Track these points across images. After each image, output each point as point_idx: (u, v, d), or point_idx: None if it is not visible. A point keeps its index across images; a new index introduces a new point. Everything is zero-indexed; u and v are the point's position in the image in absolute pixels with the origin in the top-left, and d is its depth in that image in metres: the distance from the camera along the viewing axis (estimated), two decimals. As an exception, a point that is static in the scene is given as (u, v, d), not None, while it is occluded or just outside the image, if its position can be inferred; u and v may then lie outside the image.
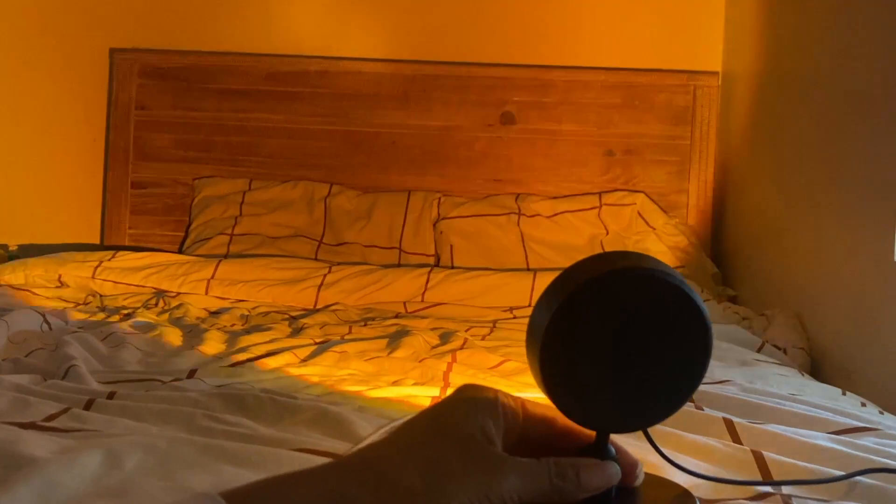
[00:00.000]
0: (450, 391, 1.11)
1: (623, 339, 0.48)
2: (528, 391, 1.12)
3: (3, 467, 0.68)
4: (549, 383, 0.49)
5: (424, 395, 1.08)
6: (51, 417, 0.87)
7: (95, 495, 0.64)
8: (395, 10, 2.61)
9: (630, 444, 0.55)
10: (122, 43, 2.60)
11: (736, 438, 0.83)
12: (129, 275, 2.01)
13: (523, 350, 1.61)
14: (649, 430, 0.53)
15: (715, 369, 1.28)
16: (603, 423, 0.50)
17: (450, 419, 0.48)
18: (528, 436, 0.50)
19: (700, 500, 0.66)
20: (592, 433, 0.51)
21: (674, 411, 0.51)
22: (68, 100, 2.64)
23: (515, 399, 0.50)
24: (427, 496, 0.45)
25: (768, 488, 0.69)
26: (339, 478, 0.46)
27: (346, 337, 1.56)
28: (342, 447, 0.81)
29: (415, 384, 1.19)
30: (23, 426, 0.82)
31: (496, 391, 0.50)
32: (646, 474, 0.54)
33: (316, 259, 2.28)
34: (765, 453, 0.76)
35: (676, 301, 0.48)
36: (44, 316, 1.57)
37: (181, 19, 2.64)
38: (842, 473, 0.71)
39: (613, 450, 0.51)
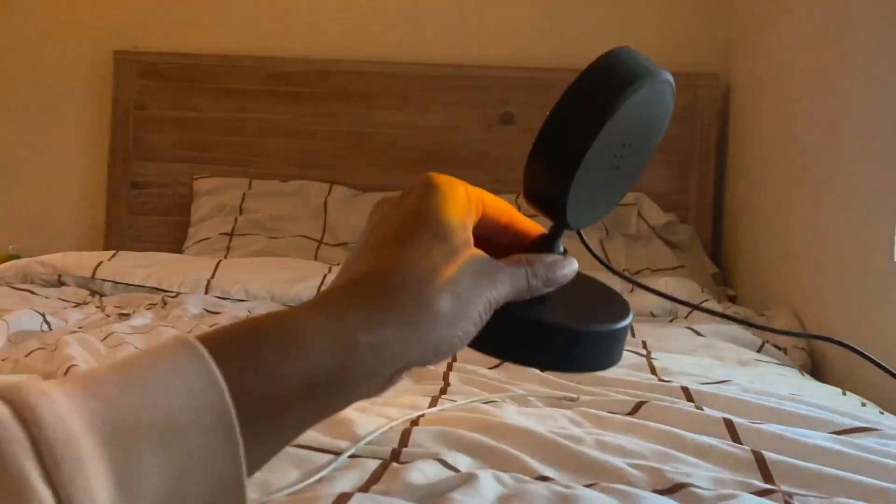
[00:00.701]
0: (450, 391, 1.11)
1: (612, 141, 0.48)
2: (528, 391, 1.12)
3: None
4: (538, 165, 0.49)
5: (424, 395, 1.08)
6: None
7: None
8: (394, 9, 2.61)
9: None
10: (123, 44, 2.60)
11: (736, 438, 0.83)
12: (128, 274, 2.00)
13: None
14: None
15: (715, 369, 1.28)
16: (571, 218, 0.50)
17: (444, 223, 0.46)
18: (482, 226, 0.50)
19: (701, 494, 0.66)
20: (533, 230, 0.52)
21: (612, 208, 0.53)
22: (70, 100, 2.64)
23: (477, 189, 0.50)
24: (452, 318, 0.44)
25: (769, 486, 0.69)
26: (350, 303, 0.43)
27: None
28: (341, 446, 0.81)
29: (415, 384, 1.19)
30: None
31: (463, 183, 0.49)
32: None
33: (316, 259, 2.28)
34: (765, 453, 0.76)
35: (669, 103, 0.50)
36: (43, 316, 1.56)
37: (181, 20, 2.64)
38: (841, 473, 0.71)
39: (563, 248, 0.52)
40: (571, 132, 0.47)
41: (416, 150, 2.54)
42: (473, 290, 0.45)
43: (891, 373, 0.57)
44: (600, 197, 0.51)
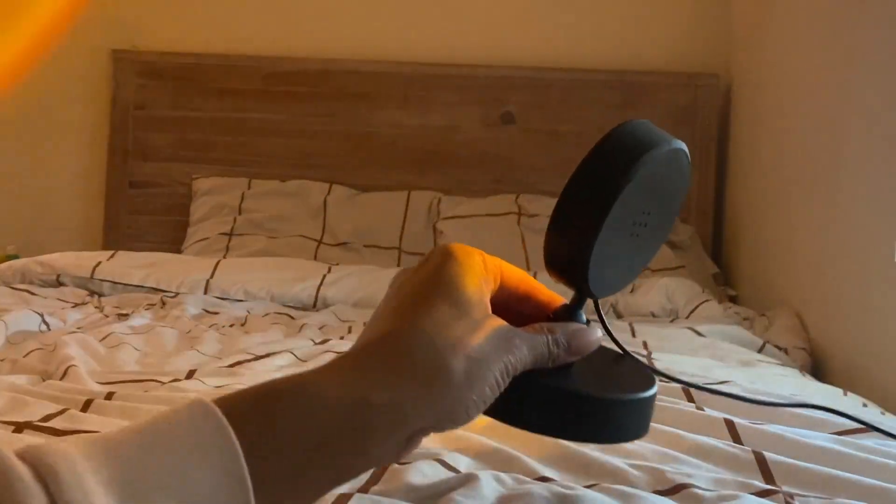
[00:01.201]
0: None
1: (645, 210, 0.49)
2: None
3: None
4: (559, 234, 0.49)
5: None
6: (48, 418, 0.86)
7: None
8: (394, 9, 2.60)
9: None
10: (122, 44, 2.60)
11: (737, 439, 0.83)
12: (127, 275, 2.00)
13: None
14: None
15: (715, 369, 1.28)
16: (593, 286, 0.50)
17: (460, 290, 0.46)
18: (500, 297, 0.50)
19: (702, 494, 0.66)
20: (553, 301, 0.52)
21: (636, 275, 0.53)
22: (69, 100, 2.64)
23: (494, 259, 0.50)
24: (467, 381, 0.44)
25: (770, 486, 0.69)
26: (365, 365, 0.44)
27: (345, 337, 1.56)
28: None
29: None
30: (19, 427, 0.81)
31: (480, 253, 0.49)
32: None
33: (315, 259, 2.27)
34: (766, 454, 0.76)
35: (685, 171, 0.50)
36: (42, 316, 1.56)
37: (181, 19, 2.64)
38: (841, 473, 0.71)
39: (584, 317, 0.51)
40: (588, 203, 0.48)
41: (415, 149, 2.53)
42: (490, 354, 0.45)
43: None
44: (622, 264, 0.51)
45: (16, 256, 2.34)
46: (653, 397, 0.52)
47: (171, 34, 2.62)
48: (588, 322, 0.51)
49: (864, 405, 1.17)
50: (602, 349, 0.53)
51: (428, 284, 0.47)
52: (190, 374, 1.15)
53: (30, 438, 0.76)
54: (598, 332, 0.51)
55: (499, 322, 0.47)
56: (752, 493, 0.68)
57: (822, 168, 1.78)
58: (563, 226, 0.49)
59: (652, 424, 0.53)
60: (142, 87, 2.57)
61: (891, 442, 0.85)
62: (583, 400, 0.49)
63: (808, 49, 1.91)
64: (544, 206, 2.37)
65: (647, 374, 0.53)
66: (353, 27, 2.61)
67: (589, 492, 0.64)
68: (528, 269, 2.21)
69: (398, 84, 2.54)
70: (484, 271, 0.48)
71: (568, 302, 0.52)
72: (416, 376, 0.43)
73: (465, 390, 0.44)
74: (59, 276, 1.99)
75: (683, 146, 0.50)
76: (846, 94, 1.68)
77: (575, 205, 0.49)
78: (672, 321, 1.81)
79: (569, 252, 0.49)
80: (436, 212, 2.41)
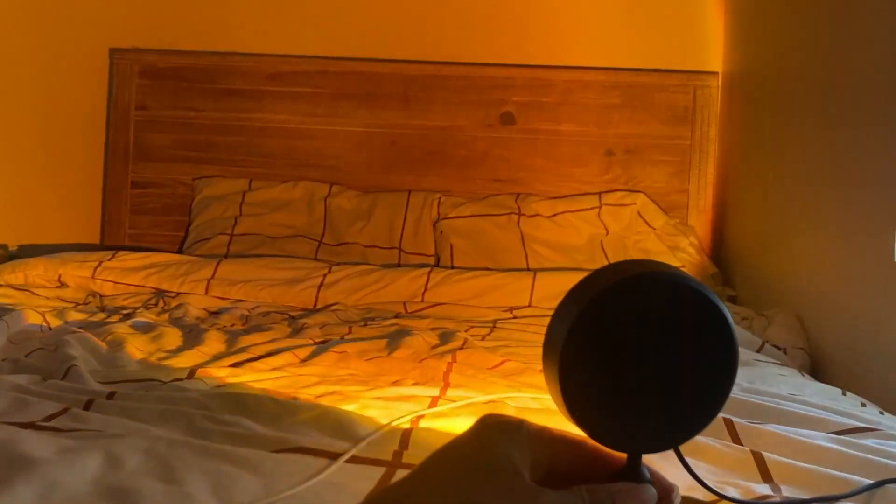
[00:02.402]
0: (450, 392, 1.11)
1: (646, 351, 0.46)
2: (528, 391, 1.12)
3: (3, 467, 0.68)
4: (572, 404, 0.46)
5: (425, 395, 1.08)
6: (50, 417, 0.87)
7: (96, 496, 0.64)
8: (395, 10, 2.61)
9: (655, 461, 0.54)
10: (121, 43, 2.60)
11: (736, 439, 0.83)
12: (128, 275, 2.01)
13: (523, 350, 1.60)
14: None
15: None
16: (633, 443, 0.48)
17: (480, 451, 0.46)
18: (556, 465, 0.48)
19: (703, 501, 0.66)
20: (624, 456, 0.49)
21: (704, 426, 0.48)
22: (68, 99, 2.64)
23: (542, 427, 0.49)
24: None
25: (769, 490, 0.69)
26: None
27: (346, 337, 1.56)
28: (342, 446, 0.81)
29: (415, 384, 1.19)
30: (22, 426, 0.82)
31: (521, 419, 0.48)
32: (682, 498, 0.51)
33: (316, 259, 2.28)
34: (764, 454, 0.76)
35: (699, 308, 0.46)
36: (43, 316, 1.56)
37: (181, 19, 2.64)
38: (841, 474, 0.71)
39: (648, 472, 0.48)
40: (549, 349, 0.47)
41: (416, 149, 2.54)
42: None
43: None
44: (663, 417, 0.48)
45: (17, 256, 2.34)
46: None
47: (171, 34, 2.62)
48: (649, 479, 0.48)
49: (863, 405, 1.17)
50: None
51: (465, 456, 0.47)
52: (191, 374, 1.15)
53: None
54: (650, 491, 0.47)
55: (524, 483, 0.46)
56: (754, 494, 0.68)
57: (822, 168, 1.78)
58: (546, 373, 0.47)
59: None
60: (142, 87, 2.57)
61: (891, 442, 0.85)
62: None
63: (809, 48, 1.92)
64: (544, 207, 2.38)
65: None
66: (354, 28, 2.61)
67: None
68: (527, 268, 2.22)
69: (398, 84, 2.54)
70: (523, 438, 0.47)
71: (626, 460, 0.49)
72: None
73: None
74: (60, 275, 2.00)
75: (681, 278, 0.46)
76: (845, 94, 1.68)
77: (546, 348, 0.47)
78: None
79: (585, 419, 0.47)
80: (436, 212, 2.42)
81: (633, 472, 0.48)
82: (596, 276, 0.47)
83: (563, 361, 0.45)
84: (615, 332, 0.46)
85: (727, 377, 0.48)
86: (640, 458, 0.48)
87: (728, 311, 0.46)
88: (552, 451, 0.48)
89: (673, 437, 0.48)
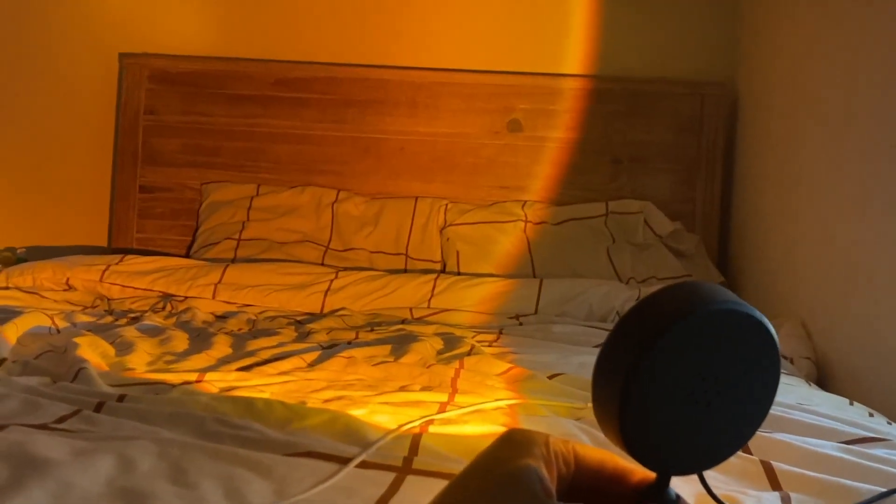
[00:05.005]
0: (458, 398, 1.11)
1: (706, 380, 0.46)
2: (534, 399, 1.12)
3: (16, 468, 0.68)
4: (625, 424, 0.46)
5: (432, 401, 1.08)
6: (62, 419, 0.87)
7: (110, 498, 0.64)
8: (403, 17, 2.62)
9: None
10: (131, 48, 2.62)
11: (745, 447, 0.83)
12: (136, 279, 2.01)
13: (530, 357, 1.59)
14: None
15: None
16: (668, 464, 0.48)
17: (502, 466, 0.46)
18: (579, 481, 0.48)
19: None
20: (647, 476, 0.49)
21: (738, 448, 0.49)
22: (77, 103, 2.65)
23: (566, 443, 0.49)
24: None
25: (778, 499, 0.69)
26: None
27: (352, 342, 1.57)
28: (351, 451, 0.81)
29: (422, 389, 1.19)
30: (35, 428, 0.82)
31: (546, 435, 0.48)
32: None
33: (323, 264, 2.28)
34: (774, 463, 0.76)
35: (757, 337, 0.47)
36: (52, 319, 1.57)
37: (191, 25, 2.65)
38: (850, 483, 0.71)
39: (675, 493, 0.48)
40: (611, 375, 0.47)
41: (423, 156, 2.54)
42: None
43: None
44: (698, 437, 0.48)
45: (25, 259, 2.35)
46: None
47: (180, 40, 2.64)
48: (678, 500, 0.48)
49: (871, 414, 1.17)
50: None
51: (486, 473, 0.47)
52: (199, 377, 1.16)
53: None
54: None
55: (545, 502, 0.45)
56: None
57: (828, 177, 1.78)
58: (595, 397, 0.47)
59: None
60: (151, 91, 2.59)
61: (898, 452, 0.85)
62: None
63: (816, 58, 1.92)
64: (550, 214, 2.38)
65: None
66: (362, 34, 2.62)
67: None
68: (533, 275, 2.22)
69: (406, 90, 2.55)
70: (545, 454, 0.47)
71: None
72: None
73: None
74: (68, 279, 2.00)
75: (741, 309, 0.46)
76: (852, 104, 1.69)
77: (602, 376, 0.47)
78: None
79: (608, 426, 0.47)
80: (442, 218, 2.42)
81: (661, 492, 0.48)
82: (659, 305, 0.46)
83: (624, 395, 0.46)
84: (681, 365, 0.46)
85: (768, 401, 0.48)
86: (669, 479, 0.48)
87: (777, 335, 0.47)
88: (575, 468, 0.48)
89: (710, 459, 0.49)
